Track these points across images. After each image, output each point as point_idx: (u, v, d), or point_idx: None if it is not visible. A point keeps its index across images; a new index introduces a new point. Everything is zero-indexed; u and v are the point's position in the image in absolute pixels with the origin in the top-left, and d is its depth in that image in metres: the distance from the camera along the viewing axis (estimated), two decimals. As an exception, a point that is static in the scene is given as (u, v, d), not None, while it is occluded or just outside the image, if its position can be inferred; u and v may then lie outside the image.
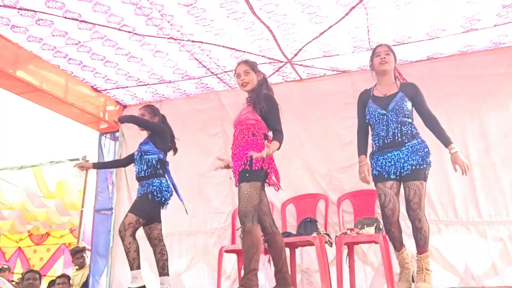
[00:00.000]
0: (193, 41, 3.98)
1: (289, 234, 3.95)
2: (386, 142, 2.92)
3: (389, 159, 2.89)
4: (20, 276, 7.21)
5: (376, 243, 3.66)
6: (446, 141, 2.89)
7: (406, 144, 2.87)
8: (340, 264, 3.64)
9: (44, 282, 7.40)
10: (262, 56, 4.27)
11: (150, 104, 4.14)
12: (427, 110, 2.99)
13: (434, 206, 4.08)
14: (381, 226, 3.58)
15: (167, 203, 3.57)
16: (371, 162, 3.01)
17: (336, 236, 3.79)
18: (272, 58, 4.34)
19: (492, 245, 3.91)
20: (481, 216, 4.00)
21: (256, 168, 2.84)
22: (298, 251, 4.22)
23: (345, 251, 3.82)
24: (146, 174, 3.53)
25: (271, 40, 3.98)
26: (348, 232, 3.75)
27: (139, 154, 3.61)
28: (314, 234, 3.78)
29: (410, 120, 2.94)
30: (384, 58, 3.01)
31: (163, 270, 3.49)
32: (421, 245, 2.82)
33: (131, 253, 3.31)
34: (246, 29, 3.77)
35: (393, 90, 3.01)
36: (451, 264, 3.92)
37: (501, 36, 4.00)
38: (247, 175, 2.82)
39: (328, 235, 3.89)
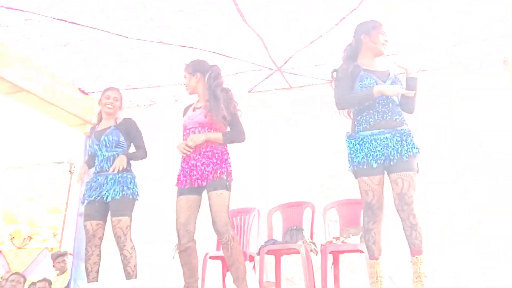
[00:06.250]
0: (183, 46, 3.97)
1: (274, 242, 3.93)
2: (380, 120, 2.56)
3: (380, 142, 2.51)
4: (0, 279, 7.05)
5: (362, 252, 3.65)
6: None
7: (398, 128, 2.56)
8: (325, 273, 3.63)
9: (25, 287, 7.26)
10: (252, 63, 4.28)
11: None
12: None
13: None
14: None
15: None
16: (354, 145, 2.59)
17: (321, 245, 3.79)
18: (261, 66, 4.35)
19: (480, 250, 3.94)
20: (471, 227, 4.03)
21: (231, 179, 2.87)
22: (283, 259, 4.20)
23: (330, 260, 3.81)
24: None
25: (261, 48, 3.99)
26: (334, 240, 3.75)
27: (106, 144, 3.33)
28: (300, 242, 3.77)
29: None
30: (387, 40, 2.70)
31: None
32: (417, 245, 2.44)
33: (133, 259, 3.15)
34: (236, 36, 3.78)
35: (380, 68, 2.71)
36: (441, 274, 3.93)
37: (491, 50, 4.07)
38: (227, 183, 2.82)
39: (313, 243, 3.87)
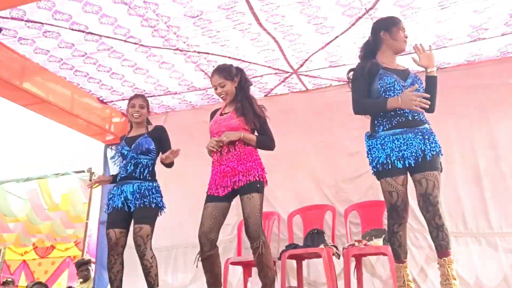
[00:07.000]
0: (199, 52, 3.99)
1: (295, 246, 3.90)
2: (402, 120, 2.47)
3: (403, 142, 2.44)
4: (25, 289, 7.17)
5: (385, 255, 3.60)
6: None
7: (419, 127, 2.48)
8: (348, 277, 3.58)
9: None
10: (268, 67, 4.28)
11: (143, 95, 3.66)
12: None
13: (443, 217, 4.03)
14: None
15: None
16: (374, 145, 2.52)
17: (343, 248, 3.74)
18: (278, 69, 4.34)
19: (503, 257, 3.83)
20: (492, 228, 3.94)
21: (265, 180, 2.82)
22: (305, 263, 4.16)
23: (352, 263, 3.76)
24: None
25: (277, 51, 3.98)
26: (356, 243, 3.69)
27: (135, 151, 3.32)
28: (322, 246, 3.72)
29: None
30: (407, 36, 2.63)
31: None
32: (444, 246, 2.35)
33: (154, 268, 3.13)
34: (252, 40, 3.78)
35: (401, 67, 2.65)
36: (462, 277, 3.84)
37: (508, 45, 3.98)
38: (258, 186, 2.76)
39: (335, 247, 3.83)
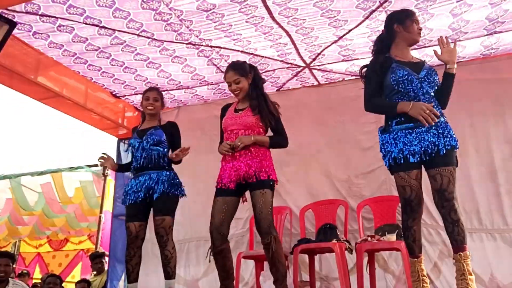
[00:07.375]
0: (211, 46, 3.98)
1: (308, 241, 3.89)
2: None
3: (415, 136, 2.41)
4: (40, 281, 7.27)
5: (398, 250, 3.58)
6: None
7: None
8: (360, 272, 3.57)
9: (63, 288, 7.46)
10: (281, 61, 4.26)
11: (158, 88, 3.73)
12: None
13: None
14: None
15: None
16: (387, 140, 2.50)
17: (356, 243, 3.72)
18: (290, 63, 4.32)
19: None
20: (507, 224, 3.90)
21: (276, 180, 2.87)
22: (317, 258, 4.16)
23: (365, 259, 3.75)
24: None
25: (290, 45, 3.96)
26: (369, 239, 3.68)
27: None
28: (334, 241, 3.71)
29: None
30: (421, 28, 2.64)
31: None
32: (460, 241, 2.31)
33: (174, 259, 3.20)
34: (265, 33, 3.76)
35: (415, 59, 2.64)
36: (476, 273, 3.77)
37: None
38: (271, 183, 2.81)
39: (348, 241, 3.82)
